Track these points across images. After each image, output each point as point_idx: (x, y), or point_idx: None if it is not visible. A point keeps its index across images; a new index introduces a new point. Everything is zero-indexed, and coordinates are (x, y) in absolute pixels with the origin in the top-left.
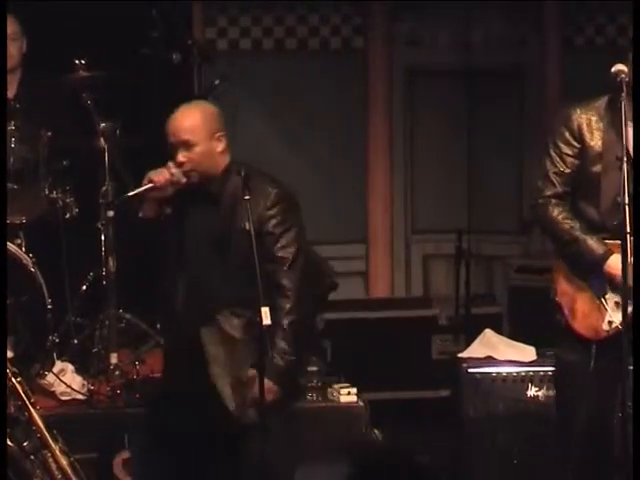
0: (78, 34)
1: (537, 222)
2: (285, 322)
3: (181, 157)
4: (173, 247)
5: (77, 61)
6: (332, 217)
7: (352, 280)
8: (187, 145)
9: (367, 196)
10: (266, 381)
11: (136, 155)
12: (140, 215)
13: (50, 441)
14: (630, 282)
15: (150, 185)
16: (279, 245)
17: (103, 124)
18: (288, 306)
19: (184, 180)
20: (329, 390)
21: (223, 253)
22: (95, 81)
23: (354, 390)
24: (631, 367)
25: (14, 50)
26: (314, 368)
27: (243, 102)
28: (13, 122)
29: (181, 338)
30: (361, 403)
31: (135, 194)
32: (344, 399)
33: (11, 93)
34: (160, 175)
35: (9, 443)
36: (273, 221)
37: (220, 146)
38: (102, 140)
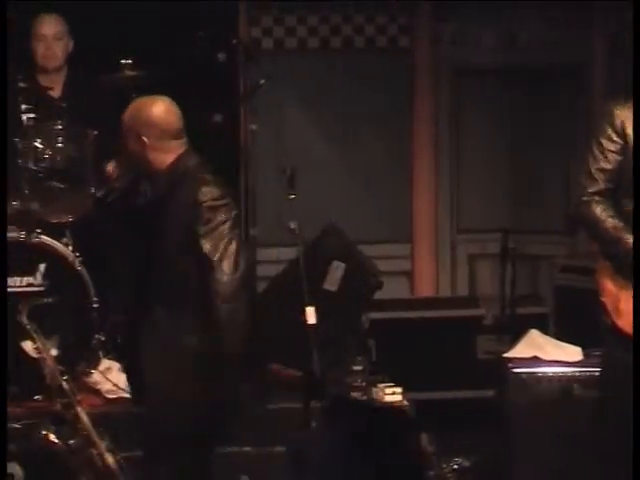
0: (124, 34)
1: (581, 220)
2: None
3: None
4: None
5: (123, 60)
6: (377, 216)
7: (397, 279)
8: (124, 140)
9: (412, 195)
10: None
11: None
12: None
13: (96, 439)
14: None
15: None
16: None
17: None
18: None
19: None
20: (373, 390)
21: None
22: (141, 80)
23: (398, 390)
24: None
25: (59, 50)
26: (359, 367)
27: (288, 101)
28: (60, 121)
29: None
30: (405, 402)
31: None
32: (389, 399)
33: (57, 93)
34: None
35: (56, 440)
36: None
37: (145, 151)
38: None
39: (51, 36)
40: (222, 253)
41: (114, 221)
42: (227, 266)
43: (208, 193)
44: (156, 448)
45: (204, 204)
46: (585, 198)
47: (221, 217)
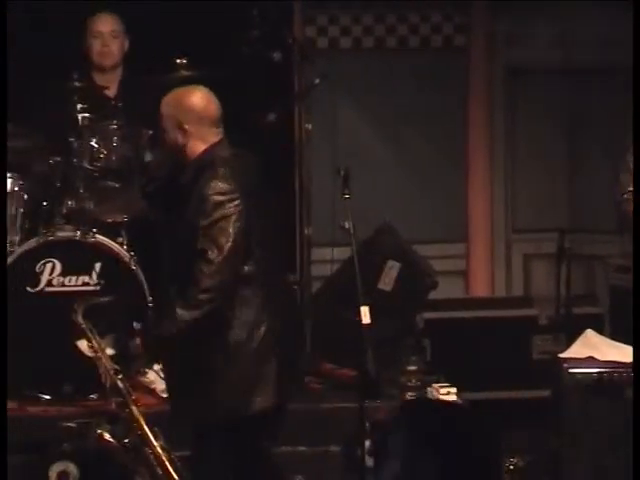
0: (179, 33)
1: (623, 217)
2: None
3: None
4: None
5: (178, 60)
6: (432, 216)
7: (452, 279)
8: (162, 130)
9: (467, 195)
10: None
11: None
12: None
13: (151, 438)
14: None
15: None
16: None
17: None
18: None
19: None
20: (428, 389)
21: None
22: (196, 80)
23: (453, 390)
24: None
25: (115, 47)
26: (413, 367)
27: (343, 101)
28: (115, 121)
29: None
30: (460, 402)
31: None
32: (443, 398)
33: (112, 92)
34: None
35: (111, 439)
36: None
37: (184, 139)
38: None
39: (107, 33)
40: (218, 249)
41: (156, 213)
42: (215, 260)
43: (215, 187)
44: (202, 446)
45: (209, 197)
46: (626, 196)
47: (223, 212)
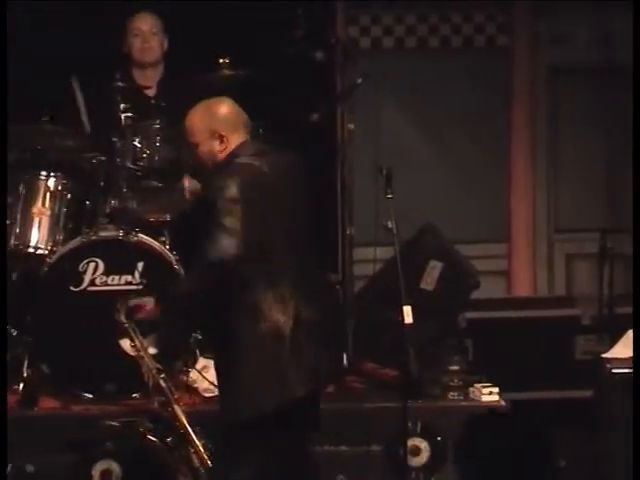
0: (222, 33)
1: None
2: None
3: (189, 156)
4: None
5: (221, 60)
6: (474, 216)
7: (494, 279)
8: (193, 145)
9: (510, 195)
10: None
11: None
12: None
13: (193, 437)
14: None
15: None
16: None
17: None
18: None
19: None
20: (471, 389)
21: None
22: (238, 80)
23: (496, 390)
24: None
25: (155, 44)
26: (456, 367)
27: (385, 101)
28: (158, 121)
29: None
30: (503, 403)
31: None
32: (486, 398)
33: (152, 91)
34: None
35: (153, 438)
36: None
37: (221, 146)
38: None
39: (147, 30)
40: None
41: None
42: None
43: (228, 180)
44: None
45: (221, 187)
46: None
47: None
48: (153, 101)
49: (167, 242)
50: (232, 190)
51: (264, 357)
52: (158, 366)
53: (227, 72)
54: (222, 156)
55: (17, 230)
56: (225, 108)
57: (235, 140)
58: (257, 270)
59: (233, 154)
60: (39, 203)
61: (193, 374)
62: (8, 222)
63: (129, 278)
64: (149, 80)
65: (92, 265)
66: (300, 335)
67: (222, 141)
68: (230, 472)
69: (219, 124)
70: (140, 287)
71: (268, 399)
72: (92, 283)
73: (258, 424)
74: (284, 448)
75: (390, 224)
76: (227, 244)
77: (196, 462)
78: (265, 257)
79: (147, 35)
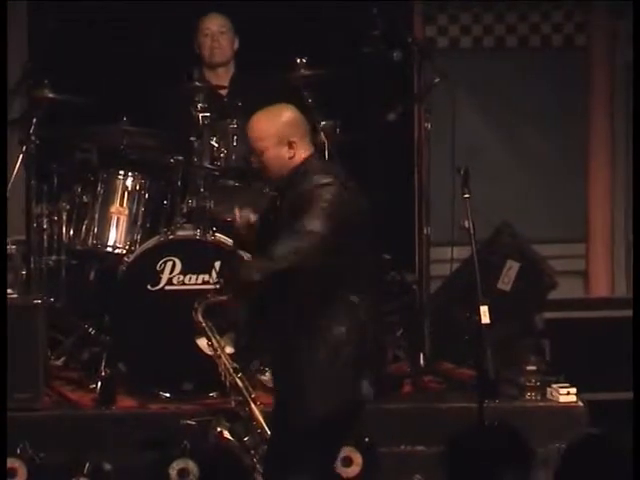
0: (299, 32)
1: None
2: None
3: (254, 160)
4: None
5: (298, 59)
6: (552, 216)
7: (572, 279)
8: (257, 151)
9: (587, 195)
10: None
11: (356, 152)
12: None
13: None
14: None
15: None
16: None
17: (323, 122)
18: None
19: (253, 219)
20: (548, 389)
21: None
22: (316, 79)
23: (573, 390)
24: None
25: (225, 44)
26: (533, 367)
27: (462, 100)
28: (235, 120)
29: None
30: (580, 403)
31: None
32: (563, 399)
33: (224, 90)
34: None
35: (230, 438)
36: None
37: (290, 152)
38: (322, 137)
39: (216, 29)
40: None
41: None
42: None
43: (317, 179)
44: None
45: (310, 188)
46: None
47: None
48: (226, 100)
49: None
50: (327, 197)
51: (347, 357)
52: (235, 365)
53: (304, 72)
54: (292, 163)
55: (95, 229)
56: (292, 114)
57: (303, 147)
58: (338, 277)
59: (306, 163)
60: (117, 202)
61: (270, 374)
62: (85, 221)
63: (206, 277)
64: (221, 79)
65: (169, 264)
66: (371, 341)
67: (291, 147)
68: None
69: (288, 130)
70: (217, 286)
71: (343, 401)
72: (169, 282)
73: (332, 425)
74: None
75: (467, 224)
76: (313, 245)
77: None
78: (344, 267)
79: (216, 34)
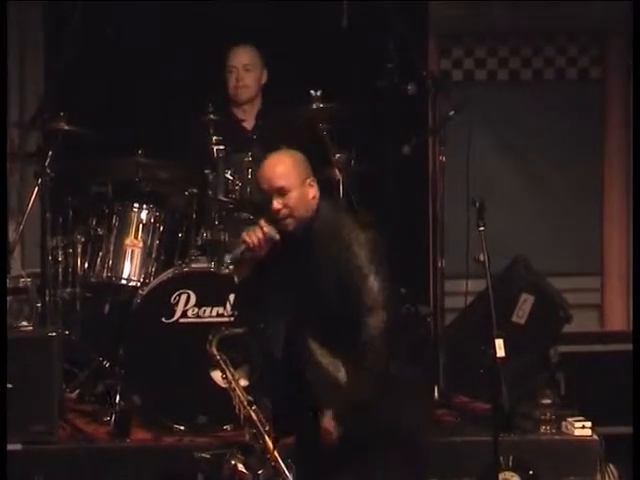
0: (314, 65)
1: None
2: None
3: (277, 204)
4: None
5: (313, 92)
6: (567, 249)
7: (587, 313)
8: (282, 192)
9: (603, 228)
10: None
11: (371, 185)
12: (236, 279)
13: (284, 469)
14: None
15: (244, 247)
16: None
17: (338, 155)
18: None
19: (277, 237)
20: (563, 423)
21: (315, 292)
22: (331, 112)
23: (588, 424)
24: None
25: (249, 80)
26: (548, 401)
27: (477, 133)
28: (250, 153)
29: None
30: (595, 437)
31: (232, 258)
32: (578, 432)
33: (249, 124)
34: (253, 236)
35: (245, 470)
36: None
37: (312, 192)
38: (337, 170)
39: (241, 67)
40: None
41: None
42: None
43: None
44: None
45: (353, 247)
46: None
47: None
48: (249, 133)
49: None
50: (369, 246)
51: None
52: (249, 398)
53: (320, 104)
54: (313, 203)
55: (110, 262)
56: (303, 156)
57: (315, 186)
58: None
59: (324, 204)
60: (132, 235)
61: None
62: (100, 254)
63: (221, 310)
64: (247, 114)
65: (184, 297)
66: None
67: (312, 187)
68: None
69: (305, 170)
70: (232, 319)
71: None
72: (184, 315)
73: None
74: None
75: (482, 256)
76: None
77: None
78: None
79: (241, 72)
